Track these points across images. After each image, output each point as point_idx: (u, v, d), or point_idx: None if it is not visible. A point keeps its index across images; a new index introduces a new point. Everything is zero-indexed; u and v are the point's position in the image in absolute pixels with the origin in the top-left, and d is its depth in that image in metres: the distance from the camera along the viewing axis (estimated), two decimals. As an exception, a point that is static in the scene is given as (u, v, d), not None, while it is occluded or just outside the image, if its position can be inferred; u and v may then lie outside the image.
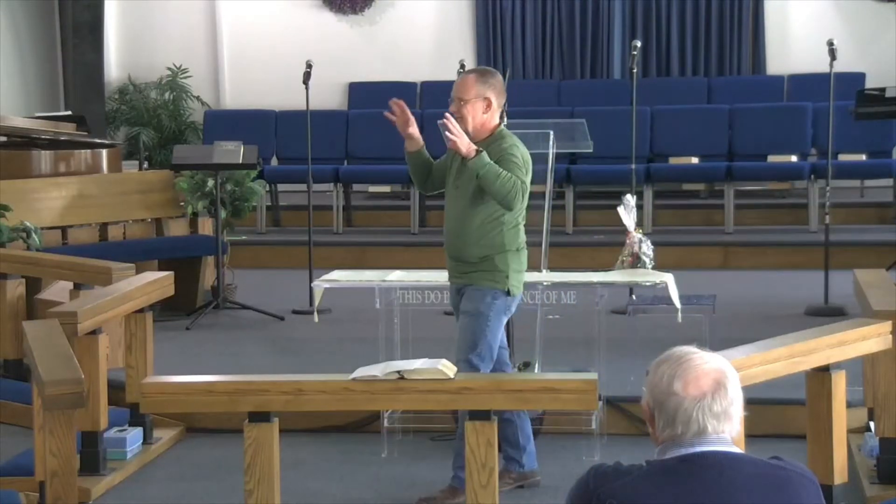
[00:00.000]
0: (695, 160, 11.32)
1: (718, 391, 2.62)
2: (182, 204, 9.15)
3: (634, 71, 8.57)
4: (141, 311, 6.31)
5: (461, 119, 5.33)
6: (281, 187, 11.81)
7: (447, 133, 5.21)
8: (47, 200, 8.68)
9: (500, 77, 5.49)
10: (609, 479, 2.60)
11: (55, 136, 9.39)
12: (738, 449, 2.65)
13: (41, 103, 12.92)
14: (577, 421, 6.03)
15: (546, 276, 6.23)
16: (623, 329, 6.90)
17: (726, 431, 2.62)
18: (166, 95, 13.55)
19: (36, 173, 8.90)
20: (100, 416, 5.81)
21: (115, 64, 13.78)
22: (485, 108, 5.36)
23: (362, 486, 5.79)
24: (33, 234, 7.98)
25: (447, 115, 5.29)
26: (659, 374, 2.65)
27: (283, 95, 12.15)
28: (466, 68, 8.67)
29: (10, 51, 12.63)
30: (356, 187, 12.15)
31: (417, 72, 13.16)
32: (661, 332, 6.17)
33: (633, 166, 8.61)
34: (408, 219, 11.16)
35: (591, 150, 7.10)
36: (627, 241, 6.37)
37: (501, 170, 5.22)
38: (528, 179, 5.37)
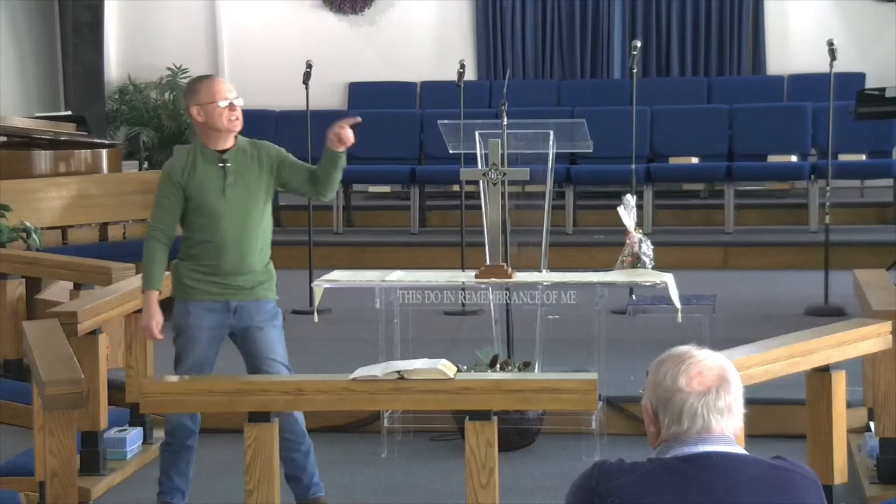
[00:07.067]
0: (695, 160, 11.31)
1: (722, 386, 2.63)
2: (182, 204, 9.12)
3: (634, 71, 8.56)
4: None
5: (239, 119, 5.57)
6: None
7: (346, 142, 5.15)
8: (47, 200, 8.67)
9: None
10: (612, 476, 2.60)
11: (55, 136, 9.38)
12: (741, 449, 2.65)
13: (41, 103, 12.92)
14: (577, 421, 6.02)
15: (546, 276, 6.22)
16: (623, 329, 6.89)
17: (729, 429, 2.63)
18: (166, 95, 13.55)
19: (36, 173, 8.89)
20: (100, 416, 5.81)
21: (115, 64, 13.79)
22: None
23: (362, 486, 5.79)
24: (33, 234, 7.97)
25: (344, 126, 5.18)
26: (661, 373, 2.65)
27: (283, 95, 12.14)
28: (466, 68, 8.69)
29: (10, 51, 12.63)
30: (356, 187, 12.14)
31: (417, 72, 13.17)
32: (661, 332, 6.15)
33: (633, 166, 8.60)
34: (408, 219, 11.16)
35: (591, 150, 7.09)
36: (627, 241, 6.36)
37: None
38: None
